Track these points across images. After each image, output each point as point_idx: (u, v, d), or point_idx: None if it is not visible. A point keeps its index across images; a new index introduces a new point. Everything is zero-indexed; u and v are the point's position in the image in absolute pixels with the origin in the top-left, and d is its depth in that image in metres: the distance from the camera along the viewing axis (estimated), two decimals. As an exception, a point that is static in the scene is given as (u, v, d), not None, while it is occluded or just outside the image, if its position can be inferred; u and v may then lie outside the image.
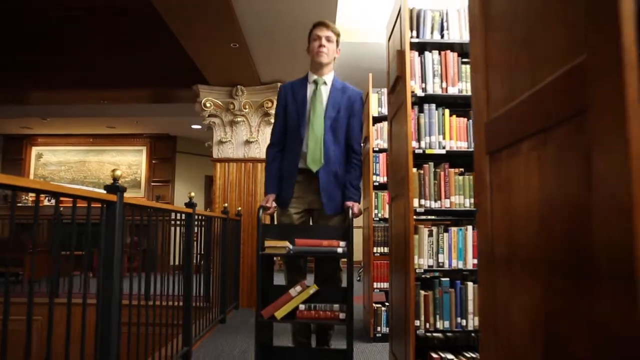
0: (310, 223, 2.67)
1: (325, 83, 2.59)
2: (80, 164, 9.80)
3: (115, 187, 1.90)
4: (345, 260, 2.32)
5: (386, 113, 3.30)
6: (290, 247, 2.29)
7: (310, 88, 2.60)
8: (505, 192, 1.10)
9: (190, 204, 3.15)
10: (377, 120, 3.79)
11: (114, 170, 1.93)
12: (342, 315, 2.26)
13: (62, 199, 1.63)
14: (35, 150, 9.99)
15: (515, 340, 1.03)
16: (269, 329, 2.57)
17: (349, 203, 2.47)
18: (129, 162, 9.73)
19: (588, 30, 0.74)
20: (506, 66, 1.11)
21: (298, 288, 2.32)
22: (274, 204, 2.60)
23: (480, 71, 1.25)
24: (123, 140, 9.73)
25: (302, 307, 2.28)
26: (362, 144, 2.64)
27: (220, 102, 5.55)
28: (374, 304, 3.73)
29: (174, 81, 6.21)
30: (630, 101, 0.65)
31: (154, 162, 9.70)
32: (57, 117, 8.37)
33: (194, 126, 8.84)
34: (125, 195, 1.97)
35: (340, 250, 2.26)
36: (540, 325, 0.92)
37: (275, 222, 2.71)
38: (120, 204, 1.91)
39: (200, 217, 3.59)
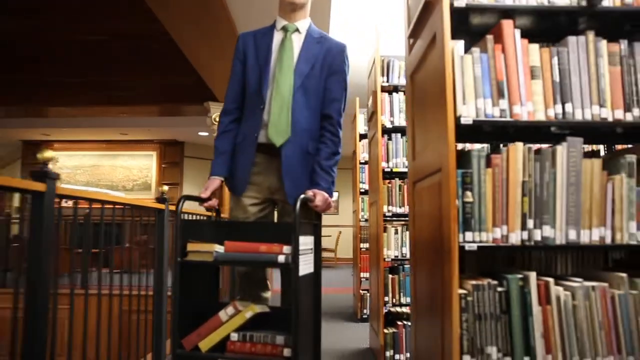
0: (276, 219, 2.06)
1: (297, 31, 2.00)
2: (94, 168, 10.53)
3: (163, 199, 2.62)
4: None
5: (369, 132, 4.03)
6: (217, 251, 1.70)
7: (277, 36, 2.00)
8: (419, 207, 1.82)
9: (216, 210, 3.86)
10: (363, 136, 4.51)
11: (162, 186, 2.65)
12: (286, 352, 1.62)
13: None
14: (52, 155, 10.69)
15: (422, 299, 1.76)
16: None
17: (310, 191, 1.79)
18: (140, 166, 10.46)
19: (444, 130, 1.46)
20: (420, 129, 1.83)
21: (230, 310, 1.72)
22: (222, 193, 2.04)
23: (410, 128, 1.97)
24: (135, 145, 10.46)
25: (234, 336, 1.69)
26: (343, 113, 2.00)
27: (227, 116, 6.29)
28: (360, 291, 4.48)
29: (185, 97, 6.92)
30: (450, 169, 1.37)
31: (163, 166, 10.42)
32: (75, 127, 9.10)
33: (200, 133, 9.56)
34: (137, 197, 2.65)
35: (282, 257, 1.62)
36: (429, 286, 1.64)
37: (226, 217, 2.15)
38: (167, 211, 2.63)
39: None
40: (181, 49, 4.96)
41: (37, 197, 1.40)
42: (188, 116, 7.69)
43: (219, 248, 1.70)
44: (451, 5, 1.44)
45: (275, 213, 2.06)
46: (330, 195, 1.88)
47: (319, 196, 1.81)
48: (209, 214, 3.88)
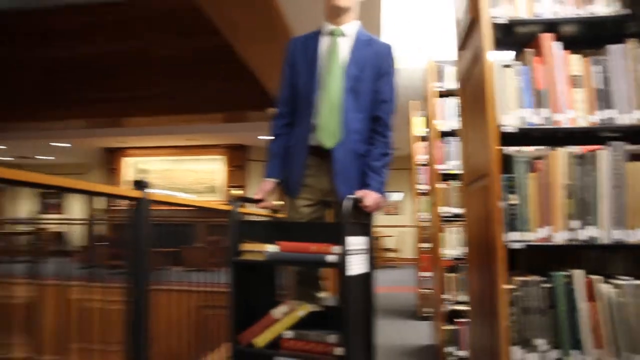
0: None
1: (344, 34, 2.01)
2: (167, 172, 11.27)
3: (234, 202, 2.87)
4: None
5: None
6: (269, 251, 1.73)
7: (324, 41, 2.03)
8: (471, 208, 1.93)
9: (275, 210, 4.13)
10: (419, 138, 4.60)
11: (234, 190, 2.91)
12: (338, 351, 1.61)
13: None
14: (126, 160, 11.57)
15: (477, 295, 1.87)
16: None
17: (361, 192, 1.84)
18: (208, 170, 11.08)
19: (490, 143, 1.58)
20: (471, 135, 1.93)
21: (284, 308, 1.77)
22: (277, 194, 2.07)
23: (463, 133, 2.08)
24: (203, 150, 11.09)
25: (288, 334, 1.72)
26: (393, 114, 2.02)
27: (289, 122, 6.60)
28: (422, 290, 4.58)
29: (248, 105, 7.31)
30: (494, 174, 1.49)
31: (231, 169, 10.97)
32: (148, 135, 9.82)
33: (260, 137, 10.01)
34: (206, 199, 2.88)
35: (330, 257, 1.62)
36: (481, 283, 1.75)
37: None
38: (235, 212, 2.89)
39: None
40: (243, 60, 5.28)
41: (137, 203, 1.69)
42: (251, 122, 8.08)
43: (271, 248, 1.73)
44: (493, 20, 1.55)
45: (330, 214, 2.09)
46: (382, 196, 1.91)
47: (369, 196, 1.84)
48: (274, 215, 4.14)
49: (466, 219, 2.06)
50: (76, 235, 12.04)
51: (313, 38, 2.06)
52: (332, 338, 1.65)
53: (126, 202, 1.74)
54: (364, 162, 1.95)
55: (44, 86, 7.50)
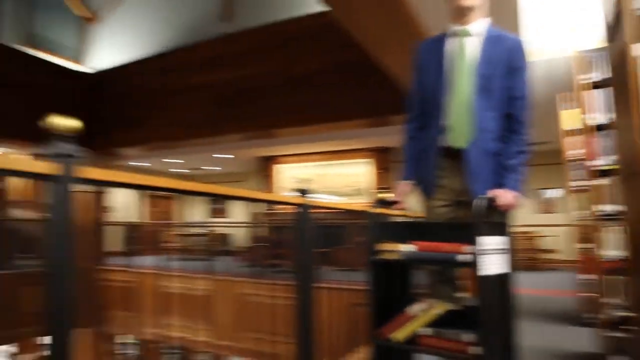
0: None
1: (470, 34, 1.99)
2: (320, 177, 11.96)
3: (379, 204, 3.06)
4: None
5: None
6: (404, 251, 1.78)
7: (450, 42, 2.02)
8: (630, 206, 1.84)
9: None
10: (569, 133, 4.29)
11: (381, 192, 3.10)
12: (473, 350, 1.60)
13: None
14: (277, 167, 12.57)
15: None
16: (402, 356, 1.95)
17: (494, 191, 1.82)
18: (356, 173, 11.52)
19: (636, 139, 1.52)
20: (624, 130, 1.84)
21: (421, 306, 1.81)
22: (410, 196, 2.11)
23: (617, 127, 1.98)
24: (350, 154, 11.56)
25: (426, 331, 1.75)
26: (527, 111, 1.95)
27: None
28: (583, 294, 4.27)
29: (389, 109, 7.52)
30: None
31: (378, 171, 11.29)
32: (299, 143, 10.60)
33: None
34: (353, 202, 3.04)
35: (461, 257, 1.62)
36: None
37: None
38: (374, 214, 3.07)
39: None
40: (380, 66, 5.47)
41: (301, 209, 1.98)
42: (394, 125, 8.25)
43: (405, 247, 1.79)
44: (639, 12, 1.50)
45: (467, 214, 2.02)
46: (518, 194, 1.87)
47: (502, 195, 1.82)
48: (415, 215, 4.22)
49: (626, 218, 1.96)
50: (239, 237, 13.47)
51: (440, 40, 2.07)
52: (468, 337, 1.65)
53: (284, 206, 2.07)
54: (499, 160, 1.93)
55: (207, 107, 8.73)
